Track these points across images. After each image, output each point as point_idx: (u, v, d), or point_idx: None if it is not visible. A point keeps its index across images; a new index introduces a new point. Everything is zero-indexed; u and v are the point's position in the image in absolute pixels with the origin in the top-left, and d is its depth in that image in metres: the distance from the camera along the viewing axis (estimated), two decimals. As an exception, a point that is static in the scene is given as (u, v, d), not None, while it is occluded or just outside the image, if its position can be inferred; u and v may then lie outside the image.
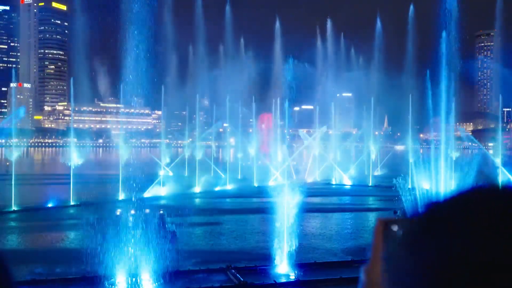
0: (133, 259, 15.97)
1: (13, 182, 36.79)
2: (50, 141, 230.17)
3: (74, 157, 42.38)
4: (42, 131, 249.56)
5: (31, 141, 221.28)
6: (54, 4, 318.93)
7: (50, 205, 37.53)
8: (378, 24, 71.58)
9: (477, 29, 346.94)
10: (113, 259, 15.73)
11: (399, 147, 77.72)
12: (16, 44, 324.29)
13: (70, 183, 39.66)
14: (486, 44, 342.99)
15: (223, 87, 66.80)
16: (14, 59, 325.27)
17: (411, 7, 62.41)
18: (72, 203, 38.24)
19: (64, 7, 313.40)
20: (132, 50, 23.84)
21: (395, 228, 0.84)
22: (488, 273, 0.69)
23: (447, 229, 0.74)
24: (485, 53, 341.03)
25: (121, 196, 36.00)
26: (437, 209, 0.79)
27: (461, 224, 0.74)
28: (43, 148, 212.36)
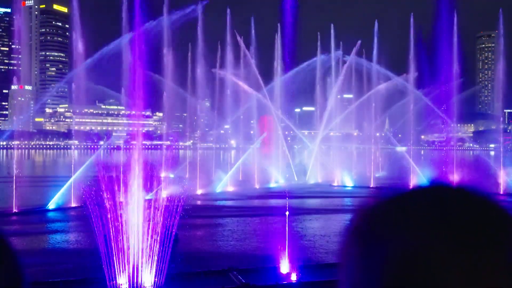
0: (135, 261, 15.95)
1: (14, 184, 36.81)
2: (51, 143, 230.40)
3: (75, 159, 42.46)
4: (43, 133, 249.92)
5: (32, 143, 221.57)
6: (55, 7, 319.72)
7: (51, 207, 37.55)
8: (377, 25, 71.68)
9: (478, 30, 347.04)
10: (115, 261, 15.71)
11: (400, 149, 77.65)
12: (17, 46, 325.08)
13: (71, 184, 39.71)
14: (487, 45, 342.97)
15: (224, 88, 66.82)
16: (15, 61, 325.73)
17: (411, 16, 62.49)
18: (73, 204, 38.25)
19: (65, 10, 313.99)
20: (133, 52, 23.88)
21: (355, 227, 0.88)
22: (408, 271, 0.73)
23: (382, 225, 0.80)
24: (486, 54, 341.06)
25: (122, 198, 35.92)
26: (378, 206, 0.86)
27: (390, 222, 0.80)
28: (45, 150, 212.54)
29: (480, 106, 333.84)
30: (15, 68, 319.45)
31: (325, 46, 73.11)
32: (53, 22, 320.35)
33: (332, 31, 71.23)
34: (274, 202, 36.14)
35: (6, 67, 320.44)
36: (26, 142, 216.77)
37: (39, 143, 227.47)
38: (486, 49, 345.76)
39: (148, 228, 16.45)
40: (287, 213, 20.09)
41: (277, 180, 58.88)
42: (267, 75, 69.68)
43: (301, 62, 73.21)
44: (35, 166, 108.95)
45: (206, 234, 28.41)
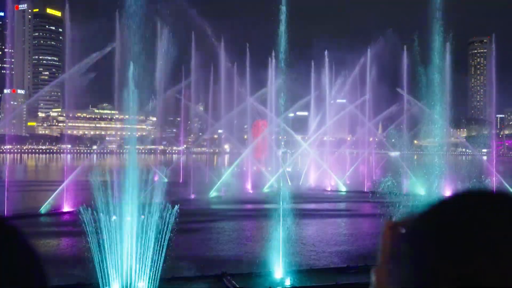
0: (128, 266, 15.86)
1: (5, 188, 36.56)
2: (44, 147, 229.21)
3: (68, 164, 42.29)
4: (35, 138, 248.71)
5: (24, 148, 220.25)
6: (49, 11, 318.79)
7: (43, 211, 37.33)
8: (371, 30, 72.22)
9: (470, 36, 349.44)
10: (108, 266, 15.62)
11: (393, 154, 77.90)
12: (10, 50, 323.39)
13: (63, 189, 39.48)
14: (479, 50, 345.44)
15: (218, 93, 66.89)
16: (8, 65, 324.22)
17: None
18: (65, 209, 38.03)
19: (59, 14, 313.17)
20: (127, 56, 23.86)
21: (402, 230, 0.88)
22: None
23: (435, 233, 0.81)
24: (478, 59, 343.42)
25: (116, 202, 35.74)
26: (431, 213, 0.86)
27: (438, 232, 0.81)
28: (37, 155, 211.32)
29: (472, 112, 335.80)
30: (7, 72, 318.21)
31: (318, 58, 73.24)
32: (46, 26, 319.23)
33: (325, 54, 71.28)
34: (267, 206, 36.09)
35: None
36: (18, 146, 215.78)
37: (32, 147, 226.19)
38: (478, 54, 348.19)
39: (142, 233, 16.37)
40: (280, 218, 20.08)
41: (271, 184, 58.87)
42: (260, 78, 69.83)
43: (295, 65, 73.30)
44: (27, 170, 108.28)
45: (200, 238, 28.33)
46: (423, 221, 0.85)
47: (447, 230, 0.80)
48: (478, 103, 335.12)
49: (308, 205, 43.21)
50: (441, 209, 0.85)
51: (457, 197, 0.86)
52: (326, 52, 70.60)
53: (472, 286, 0.75)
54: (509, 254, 0.76)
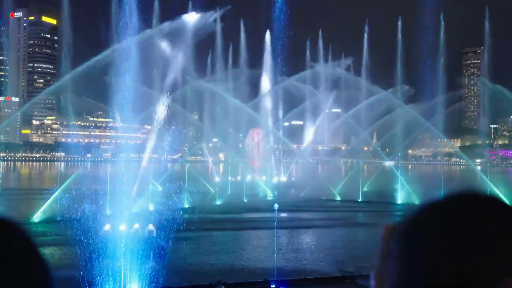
0: (123, 275, 15.74)
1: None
2: (38, 155, 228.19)
3: (61, 172, 42.10)
4: (30, 145, 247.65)
5: (18, 155, 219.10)
6: (44, 18, 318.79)
7: (36, 219, 37.06)
8: (366, 36, 72.69)
9: (464, 47, 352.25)
10: (103, 275, 15.50)
11: (388, 163, 78.01)
12: (5, 58, 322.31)
13: (57, 197, 39.24)
14: (473, 61, 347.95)
15: (213, 102, 66.95)
16: (2, 73, 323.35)
17: (399, 22, 63.74)
18: (59, 218, 37.77)
19: (54, 21, 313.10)
20: (121, 64, 23.88)
21: (400, 229, 0.89)
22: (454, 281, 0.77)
23: (427, 233, 0.83)
24: (472, 70, 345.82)
25: (109, 211, 35.53)
26: (428, 211, 0.87)
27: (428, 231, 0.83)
28: (31, 163, 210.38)
29: (466, 121, 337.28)
30: (2, 79, 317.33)
31: (314, 54, 73.63)
32: (42, 34, 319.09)
33: (320, 41, 71.80)
34: (262, 215, 36.04)
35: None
36: (12, 154, 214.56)
37: (26, 155, 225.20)
38: (471, 65, 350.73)
39: (135, 241, 16.29)
40: (275, 227, 20.02)
41: (266, 194, 58.78)
42: (255, 85, 70.02)
43: (290, 72, 73.66)
44: (21, 178, 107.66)
45: (194, 247, 28.20)
46: (421, 219, 0.86)
47: (444, 227, 0.81)
48: (472, 113, 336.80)
49: (303, 214, 43.14)
50: (437, 207, 0.87)
51: (452, 196, 0.87)
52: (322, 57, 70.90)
53: (471, 283, 0.76)
54: (506, 251, 0.78)
